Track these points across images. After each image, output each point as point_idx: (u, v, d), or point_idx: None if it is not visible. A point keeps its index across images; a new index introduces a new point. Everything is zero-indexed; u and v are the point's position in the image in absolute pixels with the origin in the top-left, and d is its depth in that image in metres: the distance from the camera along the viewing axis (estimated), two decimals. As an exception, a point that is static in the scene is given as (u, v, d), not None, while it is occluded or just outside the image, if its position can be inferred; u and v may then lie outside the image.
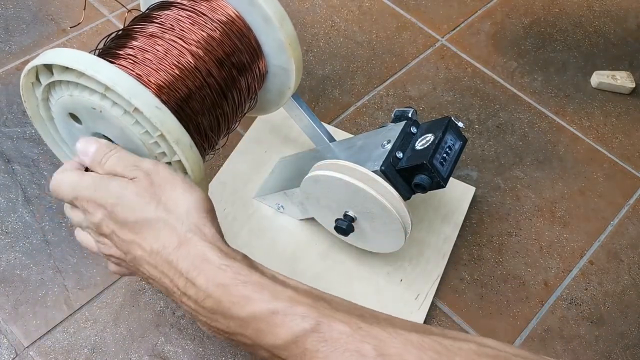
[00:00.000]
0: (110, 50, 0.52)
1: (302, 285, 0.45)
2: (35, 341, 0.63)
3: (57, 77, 0.49)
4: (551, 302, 0.72)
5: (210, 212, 0.47)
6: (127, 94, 0.46)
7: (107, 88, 0.46)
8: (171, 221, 0.45)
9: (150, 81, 0.50)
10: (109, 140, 0.51)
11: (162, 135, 0.48)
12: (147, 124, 0.47)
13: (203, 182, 0.52)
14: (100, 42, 0.56)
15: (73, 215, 0.50)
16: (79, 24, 0.89)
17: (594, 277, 0.74)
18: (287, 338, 0.41)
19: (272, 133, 0.80)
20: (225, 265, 0.44)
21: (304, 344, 0.40)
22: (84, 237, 0.51)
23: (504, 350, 0.40)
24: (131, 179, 0.47)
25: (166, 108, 0.47)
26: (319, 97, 0.87)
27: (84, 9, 0.91)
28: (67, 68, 0.47)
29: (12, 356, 0.62)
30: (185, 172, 0.51)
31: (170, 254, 0.44)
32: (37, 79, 0.51)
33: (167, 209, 0.46)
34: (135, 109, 0.47)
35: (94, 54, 0.52)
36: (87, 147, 0.49)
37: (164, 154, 0.49)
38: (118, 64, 0.50)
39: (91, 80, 0.47)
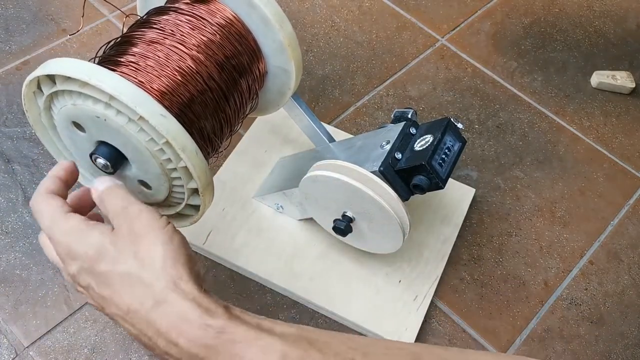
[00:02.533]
0: (111, 57, 0.52)
1: (289, 329, 0.44)
2: (35, 341, 0.63)
3: (59, 86, 0.49)
4: (551, 302, 0.72)
5: (189, 260, 0.46)
6: (131, 102, 0.45)
7: (111, 97, 0.46)
8: (147, 278, 0.44)
9: (152, 88, 0.50)
10: (116, 149, 0.51)
11: (167, 143, 0.48)
12: (152, 132, 0.47)
13: (209, 187, 0.52)
14: (100, 49, 0.56)
15: (47, 250, 0.50)
16: (77, 31, 0.89)
17: (594, 277, 0.74)
18: None
19: (272, 133, 0.80)
20: (206, 325, 0.42)
21: None
22: (49, 252, 0.50)
23: None
24: (111, 228, 0.46)
25: (171, 115, 0.47)
26: (319, 97, 0.87)
27: (82, 15, 0.91)
28: (69, 77, 0.47)
29: (12, 356, 0.62)
30: (190, 178, 0.51)
31: (149, 313, 0.43)
32: (39, 88, 0.51)
33: (143, 264, 0.44)
34: (140, 117, 0.47)
35: (95, 62, 0.52)
36: (99, 185, 0.49)
37: (169, 160, 0.49)
38: (120, 72, 0.50)
39: (95, 89, 0.46)
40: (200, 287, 0.44)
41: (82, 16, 0.90)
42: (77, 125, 0.51)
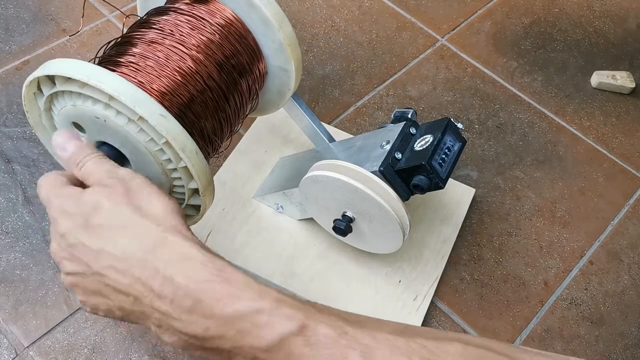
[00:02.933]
0: (111, 58, 0.52)
1: (285, 291, 0.44)
2: (35, 341, 0.63)
3: (59, 87, 0.49)
4: (551, 302, 0.72)
5: (185, 219, 0.46)
6: (131, 102, 0.45)
7: (110, 97, 0.46)
8: (147, 224, 0.43)
9: (152, 88, 0.50)
10: (116, 150, 0.51)
11: (167, 143, 0.48)
12: (152, 132, 0.47)
13: (209, 187, 0.52)
14: (100, 49, 0.56)
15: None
16: (77, 32, 0.89)
17: (594, 277, 0.74)
18: (272, 340, 0.39)
19: (272, 133, 0.80)
20: (207, 261, 0.42)
21: (288, 347, 0.39)
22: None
23: (488, 348, 0.39)
24: (105, 186, 0.46)
25: (170, 115, 0.47)
26: (319, 97, 0.87)
27: (82, 16, 0.91)
28: (69, 78, 0.47)
29: (12, 356, 0.62)
30: (191, 178, 0.51)
31: (146, 254, 0.42)
32: (39, 89, 0.51)
33: (143, 214, 0.44)
34: (140, 118, 0.47)
35: (94, 62, 0.52)
36: (66, 144, 0.49)
37: (169, 160, 0.49)
38: (119, 72, 0.50)
39: (94, 90, 0.47)
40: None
41: (82, 16, 0.90)
42: (78, 126, 0.51)
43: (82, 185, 0.49)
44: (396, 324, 0.42)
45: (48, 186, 0.48)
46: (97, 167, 0.47)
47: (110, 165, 0.48)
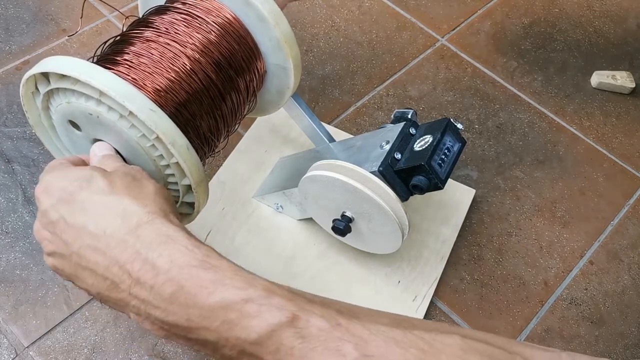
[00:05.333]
0: (108, 56, 0.53)
1: (274, 282, 0.41)
2: (35, 341, 0.63)
3: (54, 84, 0.49)
4: (551, 302, 0.71)
5: (176, 210, 0.45)
6: (120, 97, 0.46)
7: (101, 93, 0.46)
8: (134, 205, 0.41)
9: (145, 85, 0.50)
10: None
11: (158, 138, 0.48)
12: (143, 127, 0.48)
13: (202, 183, 0.52)
14: (98, 48, 0.56)
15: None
16: (76, 32, 0.89)
17: (594, 277, 0.74)
18: (262, 331, 0.36)
19: (272, 133, 0.80)
20: (193, 246, 0.39)
21: (278, 339, 0.36)
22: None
23: (487, 342, 0.38)
24: (106, 170, 0.46)
25: (161, 110, 0.47)
26: (319, 97, 0.87)
27: (81, 17, 0.91)
28: (63, 75, 0.47)
29: (12, 356, 0.62)
30: (184, 174, 0.51)
31: (127, 234, 0.40)
32: (37, 88, 0.51)
33: (133, 195, 0.42)
34: (130, 113, 0.47)
35: (92, 61, 0.53)
36: (99, 151, 0.49)
37: (161, 156, 0.49)
38: (115, 70, 0.51)
39: (86, 86, 0.47)
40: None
41: (81, 17, 0.90)
42: (74, 124, 0.51)
43: None
44: (393, 316, 0.40)
45: (48, 167, 0.48)
46: (115, 162, 0.48)
47: (125, 164, 0.49)
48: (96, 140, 0.52)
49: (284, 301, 0.38)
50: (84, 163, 0.51)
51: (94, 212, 0.42)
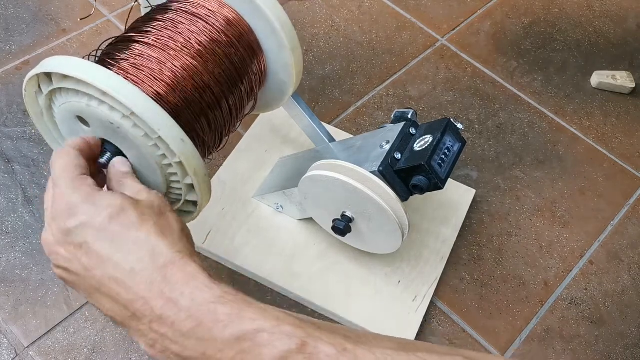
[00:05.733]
0: (109, 55, 0.52)
1: (285, 311, 0.43)
2: (35, 341, 0.63)
3: (56, 84, 0.49)
4: (551, 302, 0.72)
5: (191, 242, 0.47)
6: (122, 97, 0.45)
7: (104, 93, 0.46)
8: (163, 245, 0.43)
9: (147, 84, 0.50)
10: (113, 145, 0.51)
11: (160, 138, 0.48)
12: (145, 127, 0.47)
13: (205, 181, 0.52)
14: (100, 45, 0.56)
15: (47, 196, 0.47)
16: (89, 15, 0.88)
17: (594, 277, 0.74)
18: (273, 359, 0.39)
19: (273, 133, 0.80)
20: (212, 283, 0.41)
21: None
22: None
23: None
24: (136, 200, 0.46)
25: (163, 110, 0.47)
26: (319, 97, 0.87)
27: (89, 15, 0.91)
28: (66, 76, 0.47)
29: (12, 356, 0.62)
30: (186, 173, 0.51)
31: (153, 274, 0.42)
32: (40, 87, 0.51)
33: (163, 233, 0.44)
34: (133, 113, 0.47)
35: (95, 60, 0.53)
36: (120, 167, 0.49)
37: (164, 156, 0.49)
38: (116, 69, 0.50)
39: (89, 86, 0.47)
40: None
41: (87, 16, 0.90)
42: (83, 121, 0.51)
43: (95, 179, 0.49)
44: (397, 340, 0.42)
45: (61, 169, 0.46)
46: (136, 185, 0.48)
47: (143, 186, 0.48)
48: (103, 140, 0.51)
49: (293, 329, 0.39)
50: (91, 150, 0.49)
51: (122, 246, 0.43)
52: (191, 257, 0.43)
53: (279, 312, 0.41)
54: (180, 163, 0.50)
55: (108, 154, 0.51)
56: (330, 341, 0.39)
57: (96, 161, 0.51)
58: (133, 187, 0.48)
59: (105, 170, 0.51)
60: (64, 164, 0.46)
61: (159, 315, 0.41)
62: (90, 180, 0.46)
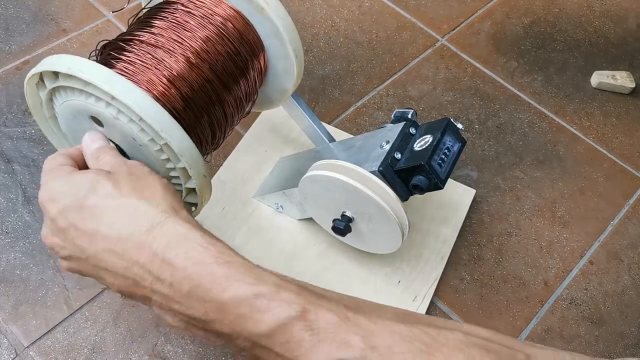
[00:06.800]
0: (110, 55, 0.52)
1: (286, 276, 0.43)
2: (35, 341, 0.63)
3: (62, 82, 0.49)
4: (551, 302, 0.72)
5: (184, 204, 0.46)
6: (134, 106, 0.46)
7: (113, 98, 0.46)
8: (144, 204, 0.43)
9: (151, 84, 0.50)
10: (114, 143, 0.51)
11: (167, 145, 0.48)
12: (151, 132, 0.48)
13: (207, 187, 0.52)
14: (98, 45, 0.56)
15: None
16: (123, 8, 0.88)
17: (594, 277, 0.74)
18: (272, 325, 0.38)
19: (273, 132, 0.80)
20: (207, 243, 0.41)
21: (289, 332, 0.38)
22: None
23: (488, 339, 0.39)
24: (109, 171, 0.46)
25: (170, 116, 0.47)
26: (319, 97, 0.87)
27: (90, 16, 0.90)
28: (73, 76, 0.47)
29: (12, 356, 0.62)
30: (189, 178, 0.51)
31: (142, 236, 0.41)
32: (42, 80, 0.51)
33: (142, 195, 0.43)
34: (141, 119, 0.47)
35: (97, 58, 0.52)
36: (92, 144, 0.49)
37: (168, 160, 0.49)
38: (118, 69, 0.50)
39: (97, 89, 0.46)
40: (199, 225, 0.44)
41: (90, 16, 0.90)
42: (96, 120, 0.51)
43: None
44: (397, 310, 0.42)
45: (47, 167, 0.47)
46: (113, 158, 0.48)
47: (122, 158, 0.48)
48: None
49: (293, 296, 0.39)
50: (82, 155, 0.50)
51: (104, 217, 0.43)
52: (178, 215, 0.43)
53: (278, 277, 0.41)
54: (184, 169, 0.50)
55: None
56: (331, 309, 0.39)
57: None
58: (109, 162, 0.47)
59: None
60: (50, 165, 0.47)
61: (157, 276, 0.41)
62: (69, 168, 0.47)
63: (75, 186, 0.45)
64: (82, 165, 0.50)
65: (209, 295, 0.40)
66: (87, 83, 0.47)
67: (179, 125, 0.47)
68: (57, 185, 0.45)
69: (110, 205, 0.43)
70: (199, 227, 0.43)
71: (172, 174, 0.51)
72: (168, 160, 0.49)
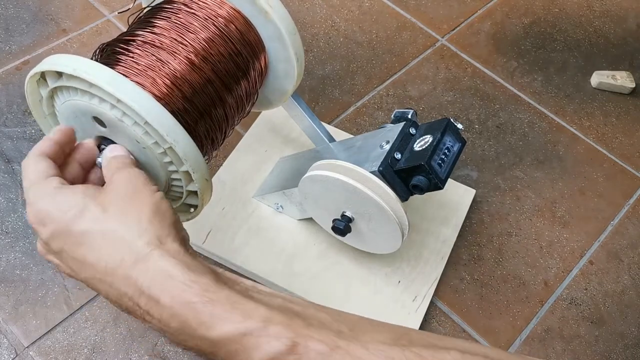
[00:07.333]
0: (111, 56, 0.52)
1: (275, 299, 0.42)
2: (35, 341, 0.63)
3: (66, 83, 0.48)
4: (551, 302, 0.72)
5: (176, 223, 0.45)
6: (142, 110, 0.46)
7: (118, 100, 0.46)
8: (130, 235, 0.42)
9: (153, 86, 0.50)
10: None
11: (171, 149, 0.48)
12: (156, 135, 0.47)
13: (208, 191, 0.52)
14: (99, 45, 0.56)
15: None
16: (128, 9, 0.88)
17: (594, 277, 0.74)
18: None
19: (273, 133, 0.80)
20: (191, 281, 0.40)
21: None
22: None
23: (486, 356, 0.39)
24: (98, 189, 0.45)
25: (176, 121, 0.47)
26: (319, 97, 0.87)
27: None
28: (78, 77, 0.47)
29: (12, 356, 0.62)
30: (191, 180, 0.51)
31: (128, 270, 0.41)
32: (43, 78, 0.51)
33: (127, 222, 0.43)
34: (146, 122, 0.47)
35: (98, 58, 0.52)
36: (109, 153, 0.49)
37: (171, 162, 0.49)
38: (119, 69, 0.50)
39: (102, 91, 0.46)
40: (187, 249, 0.43)
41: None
42: (99, 121, 0.50)
43: (89, 175, 0.49)
44: (393, 330, 0.42)
45: (27, 180, 0.46)
46: (119, 168, 0.47)
47: (129, 164, 0.48)
48: (101, 137, 0.51)
49: (282, 328, 0.39)
50: (61, 151, 0.48)
51: (93, 244, 0.43)
52: (163, 247, 0.42)
53: (267, 310, 0.40)
54: (186, 172, 0.50)
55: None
56: (322, 338, 0.39)
57: (88, 160, 0.50)
58: (115, 171, 0.47)
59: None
60: (28, 174, 0.46)
61: (146, 310, 0.41)
62: (55, 182, 0.45)
63: (63, 208, 0.44)
64: (61, 161, 0.48)
65: (197, 333, 0.40)
66: (91, 84, 0.47)
67: (183, 130, 0.47)
68: (43, 207, 0.44)
69: (96, 231, 0.43)
70: (185, 259, 0.42)
71: (174, 176, 0.51)
72: (171, 163, 0.49)
